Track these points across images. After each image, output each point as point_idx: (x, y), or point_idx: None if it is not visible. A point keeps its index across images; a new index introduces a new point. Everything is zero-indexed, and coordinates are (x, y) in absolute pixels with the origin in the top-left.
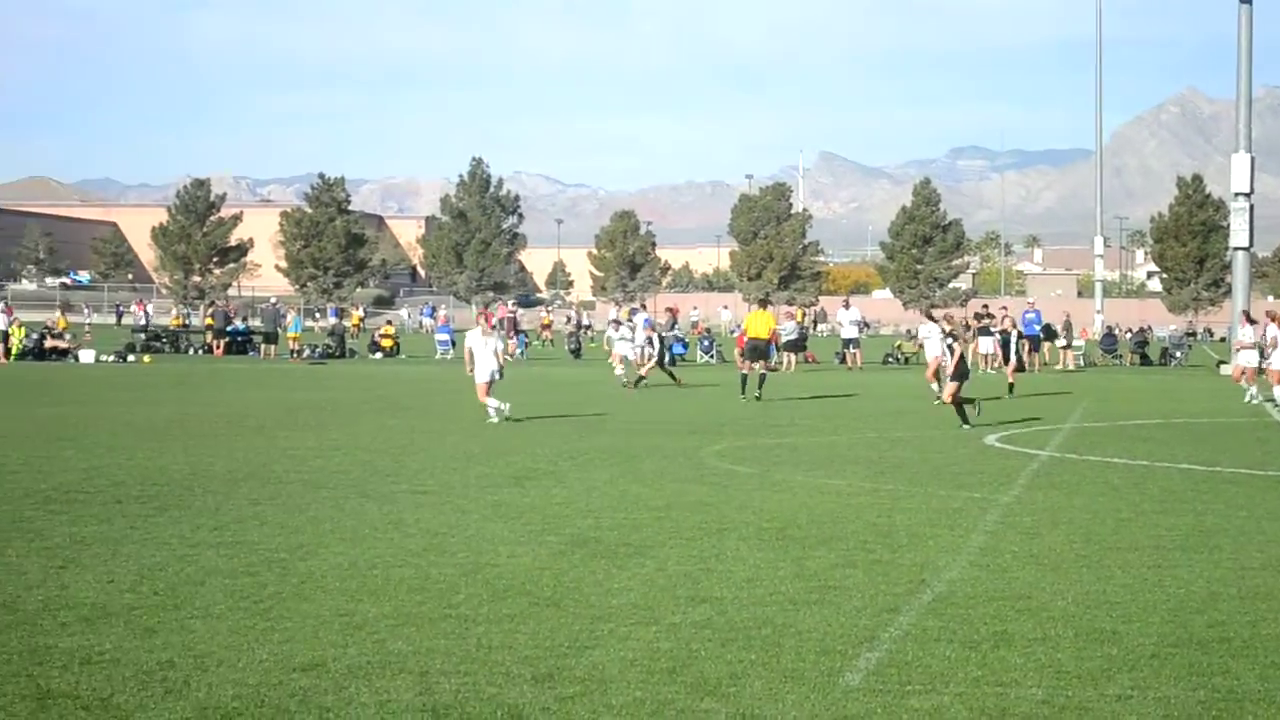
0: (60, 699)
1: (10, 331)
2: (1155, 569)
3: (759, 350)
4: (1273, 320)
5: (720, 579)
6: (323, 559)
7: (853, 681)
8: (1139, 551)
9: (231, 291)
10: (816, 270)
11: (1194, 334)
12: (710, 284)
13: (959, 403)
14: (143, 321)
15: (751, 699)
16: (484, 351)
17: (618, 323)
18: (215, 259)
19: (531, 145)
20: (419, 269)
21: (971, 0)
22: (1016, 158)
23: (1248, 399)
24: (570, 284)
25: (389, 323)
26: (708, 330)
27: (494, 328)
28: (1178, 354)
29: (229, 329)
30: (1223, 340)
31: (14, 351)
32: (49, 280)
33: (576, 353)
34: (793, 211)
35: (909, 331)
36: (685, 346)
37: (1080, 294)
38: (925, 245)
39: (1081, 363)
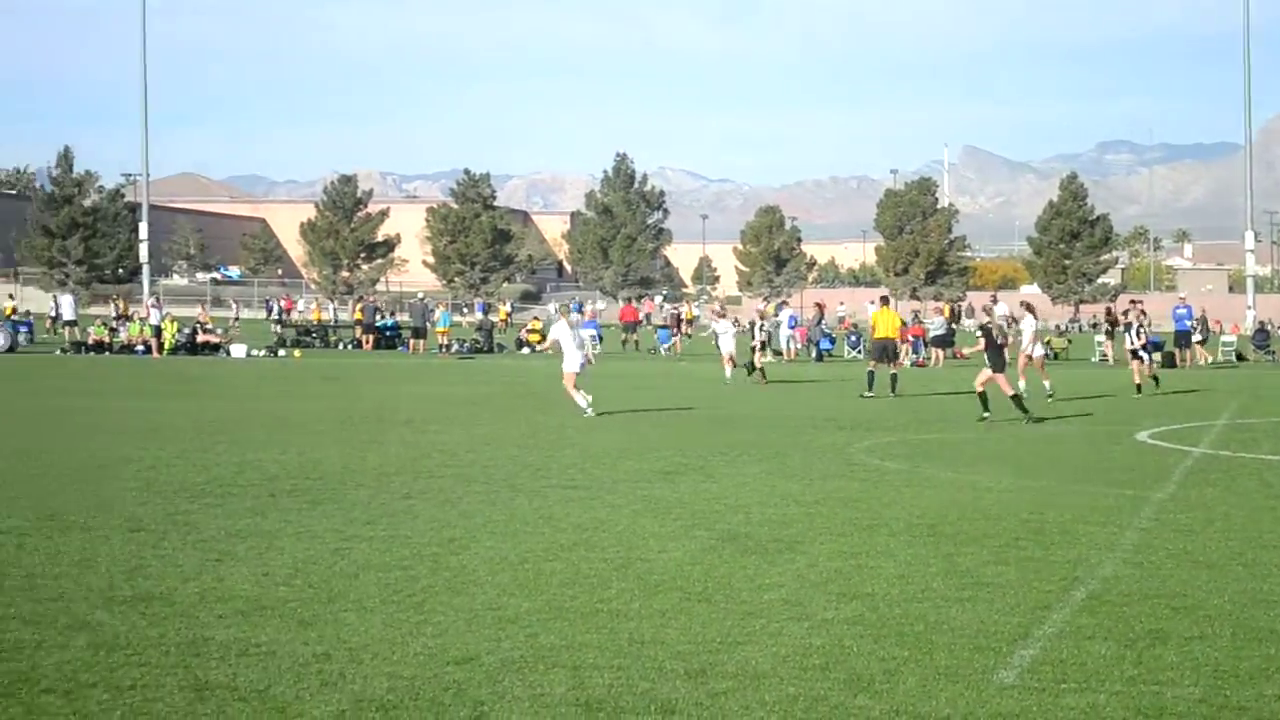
0: (218, 690)
1: (163, 326)
2: None
3: (887, 350)
4: None
5: (871, 575)
6: (474, 553)
7: (1007, 679)
8: None
9: (379, 287)
10: (963, 265)
11: None
12: (856, 279)
13: (984, 393)
14: (277, 316)
15: (905, 695)
16: (571, 343)
17: (721, 315)
18: (363, 254)
19: (676, 140)
20: (565, 264)
21: None
22: (1164, 152)
23: None
24: (716, 279)
25: (535, 318)
26: (854, 326)
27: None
28: None
29: (378, 324)
30: None
31: (167, 346)
32: (199, 275)
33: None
34: (938, 206)
35: (1058, 327)
36: (832, 342)
37: (1231, 289)
38: (1073, 240)
39: (1233, 358)
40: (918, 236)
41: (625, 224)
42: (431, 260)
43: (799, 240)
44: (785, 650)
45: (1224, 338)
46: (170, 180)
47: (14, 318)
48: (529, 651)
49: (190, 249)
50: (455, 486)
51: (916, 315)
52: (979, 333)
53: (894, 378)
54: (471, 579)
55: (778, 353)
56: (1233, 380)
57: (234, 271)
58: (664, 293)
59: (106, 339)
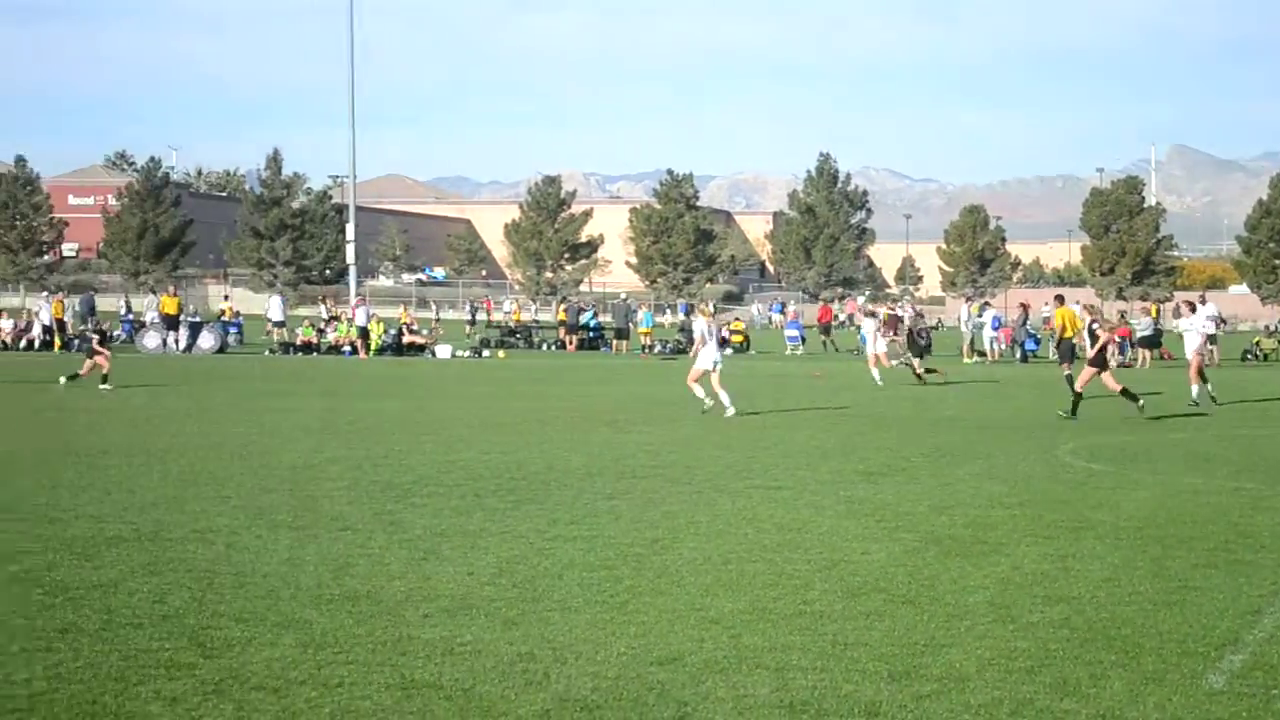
0: (424, 689)
1: (369, 327)
2: None
3: (1069, 350)
4: None
5: (1077, 578)
6: (678, 553)
7: (1216, 684)
8: None
9: (583, 287)
10: (1170, 265)
11: None
12: (1061, 279)
13: (1079, 393)
14: (470, 317)
15: (1112, 700)
16: (711, 340)
17: (873, 314)
18: (566, 255)
19: (880, 140)
20: (767, 265)
21: None
22: None
23: None
24: (919, 279)
25: (737, 318)
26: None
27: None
28: None
29: (581, 324)
30: None
31: (373, 347)
32: (405, 276)
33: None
34: (1145, 205)
35: (1268, 327)
36: (1037, 343)
37: None
38: None
39: None
40: (1124, 236)
41: (828, 224)
42: (634, 261)
43: (1003, 240)
44: (990, 653)
45: None
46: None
47: (224, 319)
48: (732, 652)
49: (396, 250)
50: (658, 487)
51: (1123, 315)
52: (1089, 329)
53: (1070, 379)
54: (675, 579)
55: (981, 354)
56: None
57: (439, 272)
58: (866, 293)
59: (314, 340)
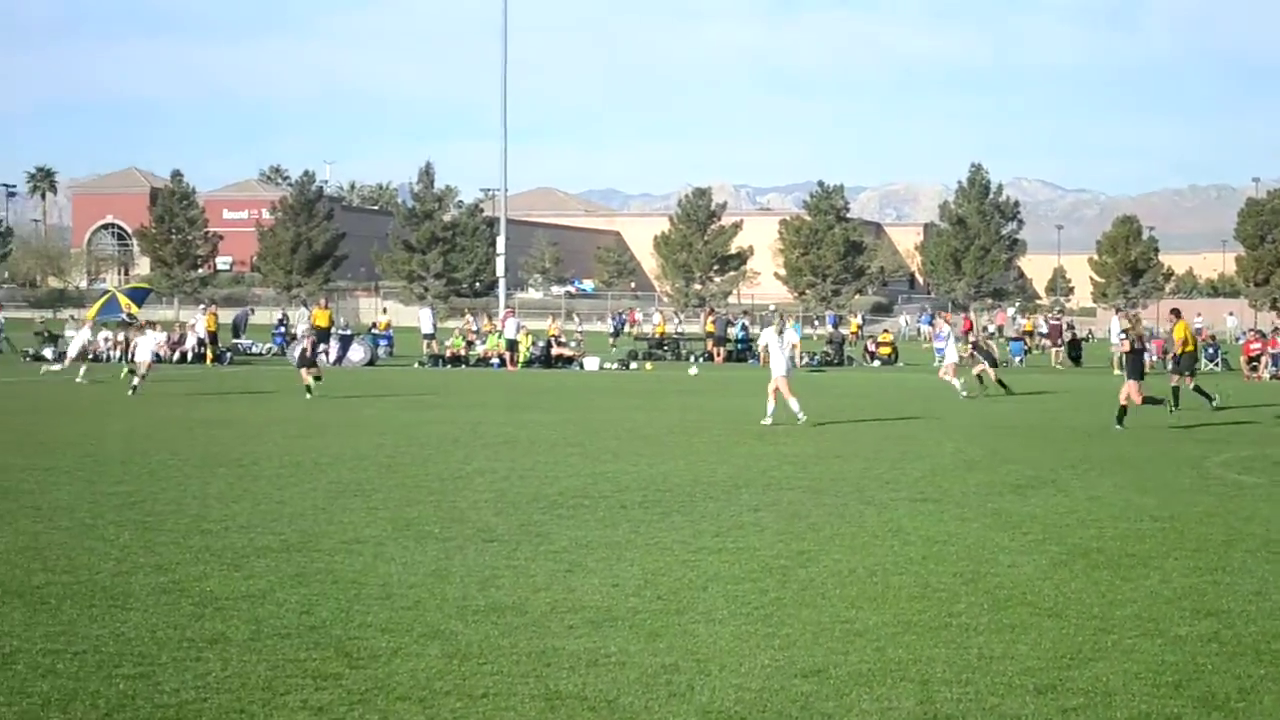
0: (568, 700)
1: (518, 339)
2: None
3: (1190, 361)
4: None
5: (1227, 591)
6: (823, 565)
7: None
8: None
9: (731, 299)
10: None
11: None
12: (1215, 290)
13: (1146, 400)
14: (613, 330)
15: (1261, 715)
16: (779, 350)
17: (948, 321)
18: (715, 267)
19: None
20: (917, 276)
21: None
22: None
23: None
24: (1070, 290)
25: (885, 330)
26: (1212, 337)
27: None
28: None
29: (729, 336)
30: None
31: (522, 359)
32: (554, 289)
33: (1077, 359)
34: None
35: None
36: None
37: None
38: None
39: None
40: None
41: (979, 235)
42: (783, 272)
43: (1155, 250)
44: (1137, 667)
45: None
46: (527, 195)
47: (374, 331)
48: (877, 665)
49: (545, 262)
50: (804, 499)
51: (1278, 328)
52: (1122, 338)
53: (1175, 391)
54: (820, 592)
55: None
56: None
57: (588, 285)
58: (1016, 304)
59: (463, 352)
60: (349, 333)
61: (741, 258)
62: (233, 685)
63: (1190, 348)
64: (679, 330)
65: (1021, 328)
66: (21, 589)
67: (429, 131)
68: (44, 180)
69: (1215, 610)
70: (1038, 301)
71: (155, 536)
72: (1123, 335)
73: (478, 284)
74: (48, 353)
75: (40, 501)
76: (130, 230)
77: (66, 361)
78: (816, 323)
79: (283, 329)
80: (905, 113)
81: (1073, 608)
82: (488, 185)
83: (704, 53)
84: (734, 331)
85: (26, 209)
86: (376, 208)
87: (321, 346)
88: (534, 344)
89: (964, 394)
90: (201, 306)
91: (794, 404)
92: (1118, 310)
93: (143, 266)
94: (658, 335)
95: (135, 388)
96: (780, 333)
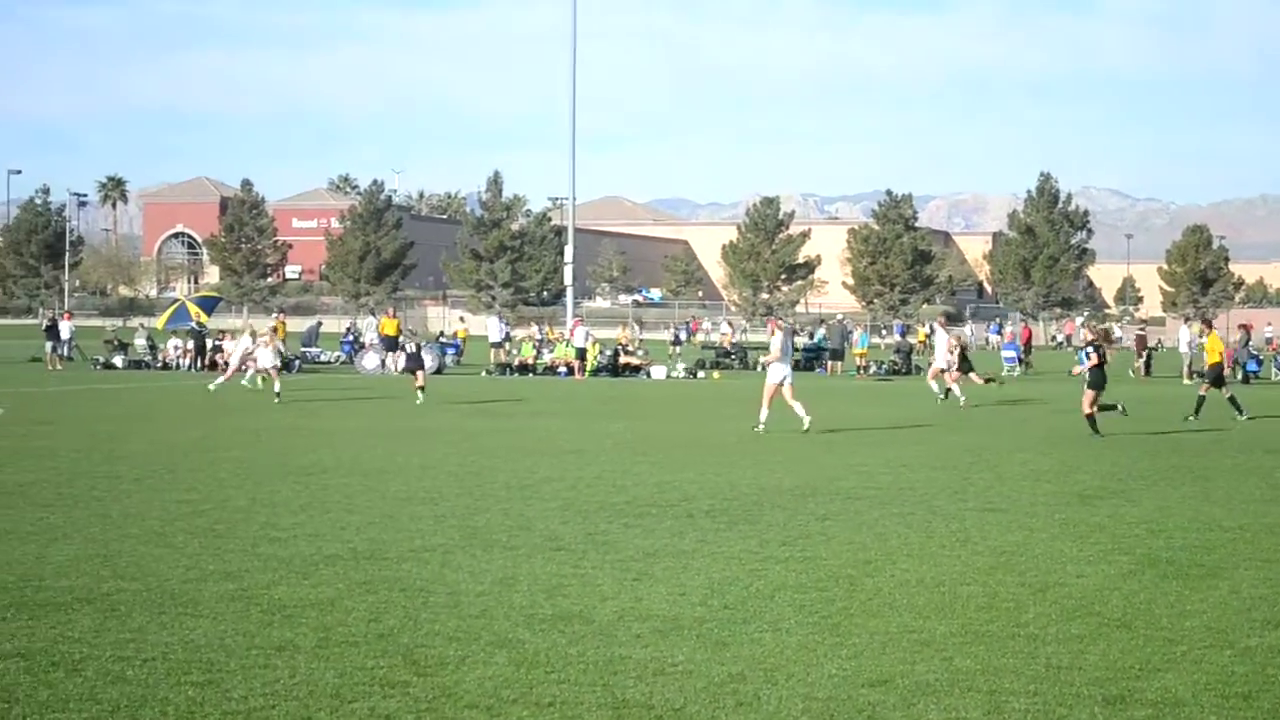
0: (634, 708)
1: (586, 348)
2: None
3: (1211, 374)
4: None
5: None
6: (890, 575)
7: None
8: None
9: (799, 308)
10: None
11: None
12: None
13: (1102, 408)
14: (674, 339)
15: None
16: (784, 355)
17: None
18: (783, 276)
19: (1101, 159)
20: (985, 285)
21: None
22: None
23: None
24: (1139, 299)
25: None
26: None
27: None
28: None
29: (796, 345)
30: None
31: (589, 368)
32: (621, 298)
33: (1147, 368)
34: None
35: None
36: (1259, 364)
37: None
38: None
39: None
40: None
41: (1048, 244)
42: (851, 281)
43: (1226, 260)
44: (1207, 678)
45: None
46: (595, 204)
47: (442, 339)
48: (944, 675)
49: (613, 271)
50: (871, 508)
51: None
52: (1089, 351)
53: (1232, 398)
54: (887, 601)
55: (1201, 374)
56: None
57: (655, 294)
58: (1085, 313)
59: (531, 360)
60: (414, 346)
61: (809, 267)
62: (300, 693)
63: (1218, 359)
64: (742, 339)
65: (1085, 338)
66: (91, 596)
67: (497, 141)
68: (115, 189)
69: None
70: (1106, 310)
71: (224, 544)
72: (1092, 348)
73: (545, 292)
74: (118, 360)
75: (110, 509)
76: (200, 239)
77: (230, 373)
78: (884, 332)
79: (350, 338)
80: (974, 121)
81: (1141, 618)
82: (556, 194)
83: (772, 61)
84: (800, 340)
85: (98, 218)
86: (445, 217)
87: (388, 355)
88: (601, 352)
89: (962, 400)
90: (275, 314)
91: (799, 408)
92: (1186, 319)
93: (212, 275)
94: (727, 344)
95: (279, 394)
96: (794, 334)
